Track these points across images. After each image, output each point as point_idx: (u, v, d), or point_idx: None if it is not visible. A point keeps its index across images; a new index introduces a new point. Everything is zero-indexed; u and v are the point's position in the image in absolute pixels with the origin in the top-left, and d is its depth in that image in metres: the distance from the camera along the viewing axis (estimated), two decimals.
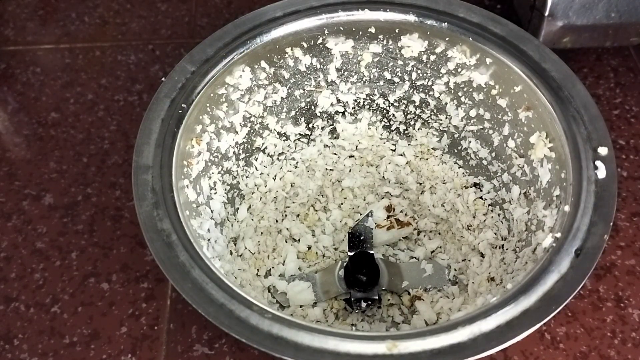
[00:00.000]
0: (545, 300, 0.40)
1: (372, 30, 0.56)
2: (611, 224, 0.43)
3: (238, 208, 0.58)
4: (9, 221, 0.62)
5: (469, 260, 0.56)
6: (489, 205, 0.58)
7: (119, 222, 0.61)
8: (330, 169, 0.62)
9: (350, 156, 0.63)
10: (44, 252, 0.60)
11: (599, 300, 0.56)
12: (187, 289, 0.41)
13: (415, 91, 0.59)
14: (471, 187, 0.60)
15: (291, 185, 0.61)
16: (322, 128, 0.62)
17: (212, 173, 0.54)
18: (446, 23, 0.54)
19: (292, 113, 0.59)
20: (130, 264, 0.59)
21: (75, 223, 0.61)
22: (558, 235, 0.43)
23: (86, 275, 0.58)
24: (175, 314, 0.56)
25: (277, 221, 0.60)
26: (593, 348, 0.54)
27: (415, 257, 0.59)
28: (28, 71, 0.74)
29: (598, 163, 0.45)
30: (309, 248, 0.59)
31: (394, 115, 0.61)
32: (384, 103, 0.60)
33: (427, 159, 0.61)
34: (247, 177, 0.59)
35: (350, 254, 0.56)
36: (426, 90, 0.58)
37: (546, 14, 0.60)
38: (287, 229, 0.60)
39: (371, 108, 0.61)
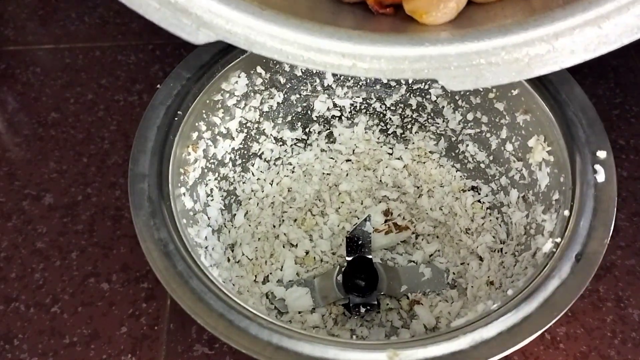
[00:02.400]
0: (546, 306, 0.40)
1: None
2: (611, 228, 0.43)
3: (235, 214, 0.58)
4: (9, 221, 0.61)
5: (468, 264, 0.56)
6: (487, 208, 0.58)
7: (119, 222, 0.61)
8: (327, 174, 0.62)
9: (347, 160, 0.62)
10: (44, 252, 0.59)
11: (599, 300, 0.56)
12: (185, 299, 0.41)
13: (411, 95, 0.59)
14: (469, 190, 0.59)
15: (288, 190, 0.61)
16: (319, 132, 0.61)
17: (209, 180, 0.54)
18: None
19: (289, 118, 0.59)
20: (130, 264, 0.58)
21: (75, 223, 0.61)
22: (558, 240, 0.43)
23: (86, 275, 0.58)
24: (175, 314, 0.56)
25: (274, 226, 0.60)
26: (593, 348, 0.54)
27: (413, 261, 0.59)
28: (28, 71, 0.74)
29: (597, 167, 0.45)
30: (307, 253, 0.59)
31: (390, 119, 0.61)
32: (380, 107, 0.60)
33: (424, 163, 0.61)
34: (243, 182, 0.59)
35: (349, 258, 0.56)
36: (423, 94, 0.58)
37: None
38: (285, 234, 0.60)
39: (368, 112, 0.61)
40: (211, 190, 0.54)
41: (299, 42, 0.40)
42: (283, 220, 0.61)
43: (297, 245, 0.59)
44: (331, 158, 0.62)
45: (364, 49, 0.39)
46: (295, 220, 0.61)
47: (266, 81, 0.56)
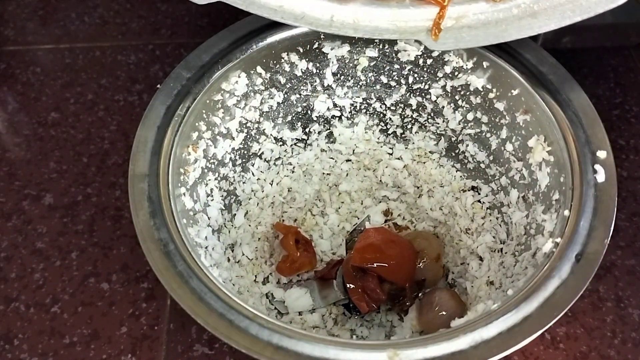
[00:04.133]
0: (547, 307, 0.40)
1: None
2: (611, 228, 0.43)
3: (235, 214, 0.58)
4: (9, 221, 0.62)
5: (468, 264, 0.56)
6: (487, 208, 0.58)
7: (119, 222, 0.61)
8: (327, 174, 0.62)
9: (347, 160, 0.62)
10: (44, 252, 0.60)
11: (599, 300, 0.56)
12: (185, 299, 0.41)
13: (412, 95, 0.58)
14: (469, 190, 0.59)
15: (288, 190, 0.61)
16: (319, 132, 0.61)
17: (209, 180, 0.54)
18: None
19: (289, 118, 0.59)
20: (130, 264, 0.59)
21: (75, 223, 0.61)
22: (558, 240, 0.43)
23: (86, 275, 0.58)
24: (175, 314, 0.56)
25: (274, 226, 0.60)
26: (593, 348, 0.54)
27: None
28: (28, 71, 0.74)
29: (597, 167, 0.45)
30: None
31: (390, 119, 0.61)
32: (380, 107, 0.60)
33: (424, 163, 0.61)
34: (243, 182, 0.59)
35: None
36: (423, 94, 0.58)
37: None
38: None
39: (368, 112, 0.61)
40: (211, 190, 0.54)
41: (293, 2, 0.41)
42: (283, 220, 0.60)
43: None
44: (331, 158, 0.62)
45: (353, 9, 0.41)
46: (295, 220, 0.61)
47: (266, 81, 0.56)
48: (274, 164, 0.61)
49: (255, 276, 0.56)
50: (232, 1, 0.43)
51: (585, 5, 0.40)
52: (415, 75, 0.57)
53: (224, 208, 0.56)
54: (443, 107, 0.58)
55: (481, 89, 0.54)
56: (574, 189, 0.45)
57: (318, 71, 0.57)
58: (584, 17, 0.41)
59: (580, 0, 0.40)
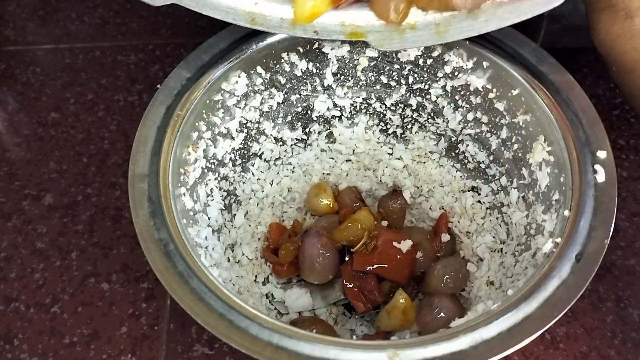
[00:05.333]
0: (547, 306, 0.40)
1: None
2: (611, 228, 0.43)
3: (235, 214, 0.58)
4: (9, 221, 0.62)
5: (468, 264, 0.56)
6: (487, 208, 0.58)
7: (119, 222, 0.61)
8: (327, 174, 0.62)
9: (347, 160, 0.62)
10: (44, 252, 0.60)
11: (599, 300, 0.56)
12: (185, 299, 0.41)
13: (412, 95, 0.58)
14: (469, 190, 0.59)
15: (288, 190, 0.61)
16: (319, 132, 0.61)
17: (209, 180, 0.54)
18: None
19: (289, 118, 0.59)
20: (130, 264, 0.59)
21: (75, 223, 0.61)
22: (558, 240, 0.43)
23: (86, 275, 0.58)
24: (175, 314, 0.56)
25: (269, 228, 0.60)
26: (593, 348, 0.54)
27: None
28: (28, 71, 0.74)
29: (597, 167, 0.45)
30: None
31: (390, 119, 0.61)
32: (380, 107, 0.60)
33: (424, 163, 0.61)
34: (243, 182, 0.58)
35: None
36: (423, 94, 0.58)
37: (546, 13, 0.60)
38: None
39: (368, 112, 0.61)
40: (211, 190, 0.54)
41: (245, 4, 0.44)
42: (283, 220, 0.61)
43: None
44: (331, 158, 0.62)
45: None
46: (295, 220, 0.61)
47: (266, 81, 0.56)
48: (274, 164, 0.61)
49: (256, 276, 0.56)
50: (185, 3, 0.45)
51: (523, 8, 0.42)
52: (415, 75, 0.57)
53: (224, 208, 0.56)
54: (443, 107, 0.58)
55: (481, 89, 0.54)
56: (574, 189, 0.45)
57: (318, 71, 0.57)
58: (521, 19, 0.43)
59: (517, 3, 0.41)
